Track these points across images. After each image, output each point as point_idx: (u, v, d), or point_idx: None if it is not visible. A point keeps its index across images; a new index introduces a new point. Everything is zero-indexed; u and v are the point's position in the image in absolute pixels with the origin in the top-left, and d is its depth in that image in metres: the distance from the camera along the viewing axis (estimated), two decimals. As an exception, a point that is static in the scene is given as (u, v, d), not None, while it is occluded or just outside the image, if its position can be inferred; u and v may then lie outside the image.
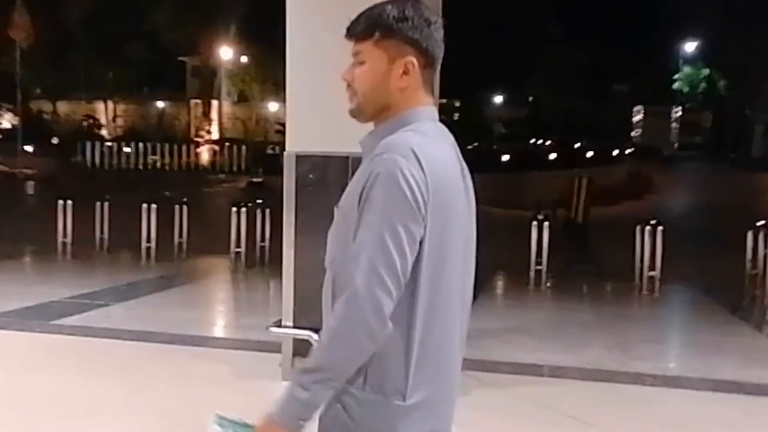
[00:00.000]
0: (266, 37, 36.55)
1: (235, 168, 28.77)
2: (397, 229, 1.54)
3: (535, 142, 40.89)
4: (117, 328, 6.51)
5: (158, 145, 31.00)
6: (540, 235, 9.70)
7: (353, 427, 1.62)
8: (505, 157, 30.51)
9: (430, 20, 1.68)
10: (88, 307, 7.39)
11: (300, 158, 5.14)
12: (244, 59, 38.66)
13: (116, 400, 4.85)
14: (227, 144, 30.44)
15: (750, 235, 9.88)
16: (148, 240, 10.86)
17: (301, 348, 5.14)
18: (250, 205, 10.89)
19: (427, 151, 1.59)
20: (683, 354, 6.21)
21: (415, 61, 1.66)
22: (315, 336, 4.84)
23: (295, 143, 5.18)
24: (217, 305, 8.59)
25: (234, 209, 10.78)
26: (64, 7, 36.03)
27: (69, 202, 11.17)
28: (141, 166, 30.04)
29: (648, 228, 9.46)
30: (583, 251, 11.71)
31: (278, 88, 40.19)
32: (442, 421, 1.71)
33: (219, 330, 7.18)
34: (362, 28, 1.67)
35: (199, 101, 41.20)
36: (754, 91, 43.83)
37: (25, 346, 6.04)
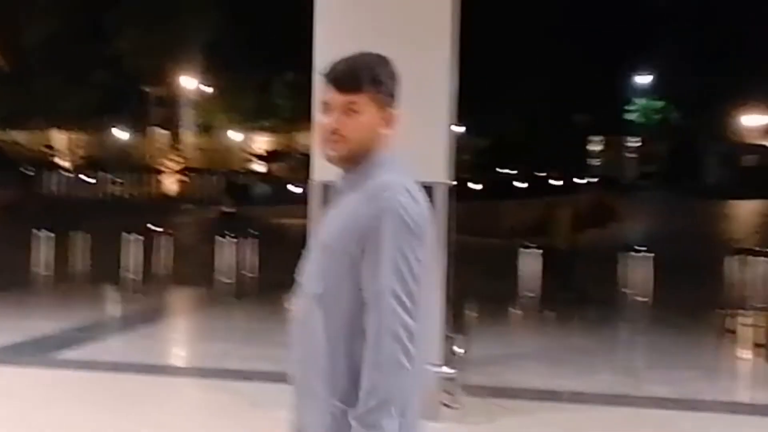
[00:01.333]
0: (231, 66, 36.58)
1: (203, 198, 28.46)
2: (409, 257, 1.74)
3: (500, 172, 41.64)
4: (122, 362, 6.35)
5: (122, 175, 30.51)
6: (531, 263, 9.82)
7: None
8: (474, 186, 30.90)
9: (398, 77, 1.92)
10: (85, 341, 7.20)
11: (327, 187, 5.13)
12: (208, 89, 38.47)
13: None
14: (194, 174, 30.10)
15: (728, 262, 10.12)
16: (131, 270, 10.66)
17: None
18: (233, 235, 10.80)
19: (415, 188, 1.84)
20: (693, 377, 6.30)
21: (395, 113, 1.89)
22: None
23: (321, 171, 5.16)
24: (217, 336, 8.39)
25: (221, 239, 10.67)
26: (22, 32, 35.41)
27: (44, 232, 10.93)
28: (106, 196, 29.49)
29: (634, 254, 9.67)
30: (566, 278, 11.87)
31: (244, 118, 40.16)
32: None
33: (228, 361, 7.04)
34: (357, 82, 1.83)
35: (162, 130, 40.76)
36: (707, 122, 45.29)
37: (33, 382, 5.83)
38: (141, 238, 10.80)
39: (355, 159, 1.84)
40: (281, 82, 40.07)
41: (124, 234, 10.72)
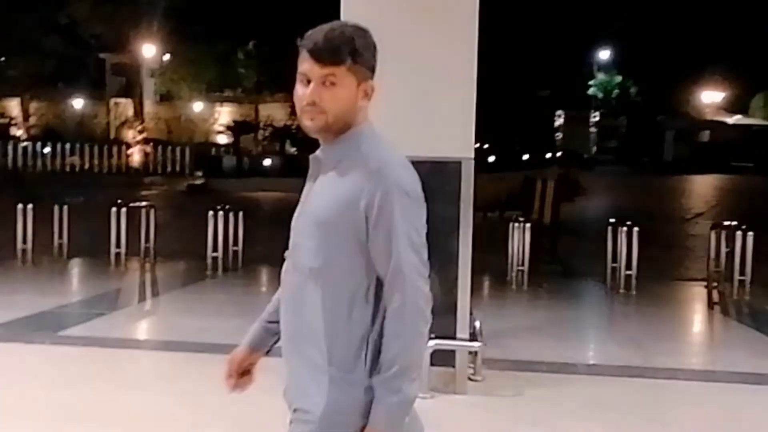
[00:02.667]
0: (197, 35, 35.78)
1: (168, 170, 27.89)
2: (419, 229, 1.84)
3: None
4: (133, 338, 6.28)
5: (81, 146, 29.69)
6: (521, 237, 9.94)
7: (361, 410, 1.81)
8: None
9: (377, 49, 1.93)
10: (87, 317, 7.08)
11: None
12: (171, 57, 37.60)
13: (169, 411, 4.67)
14: (157, 145, 29.44)
15: (713, 235, 10.41)
16: (118, 245, 10.47)
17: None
18: (227, 208, 10.68)
19: (407, 161, 1.91)
20: (696, 349, 6.51)
21: (374, 86, 1.92)
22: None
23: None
24: (220, 311, 8.29)
25: (211, 213, 10.54)
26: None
27: (29, 206, 10.65)
28: (67, 168, 28.70)
29: (624, 229, 9.86)
30: (551, 251, 12.06)
31: (209, 88, 39.39)
32: None
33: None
34: (337, 54, 1.83)
35: (122, 100, 39.79)
36: (665, 98, 46.14)
37: (46, 359, 5.72)
38: (118, 211, 10.57)
39: (333, 131, 1.87)
40: (244, 52, 39.43)
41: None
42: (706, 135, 46.75)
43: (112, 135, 38.16)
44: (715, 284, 9.78)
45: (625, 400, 5.14)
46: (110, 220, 10.45)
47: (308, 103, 1.85)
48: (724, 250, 10.10)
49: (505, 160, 34.03)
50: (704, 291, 9.61)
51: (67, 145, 29.81)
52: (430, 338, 4.89)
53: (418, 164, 5.12)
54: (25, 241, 10.55)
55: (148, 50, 37.11)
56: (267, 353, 2.12)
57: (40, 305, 7.44)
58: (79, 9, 34.57)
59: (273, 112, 39.74)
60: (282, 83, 39.78)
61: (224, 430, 4.41)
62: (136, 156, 30.24)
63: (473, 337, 5.27)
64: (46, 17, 35.66)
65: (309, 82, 1.85)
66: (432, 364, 4.96)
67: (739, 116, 48.29)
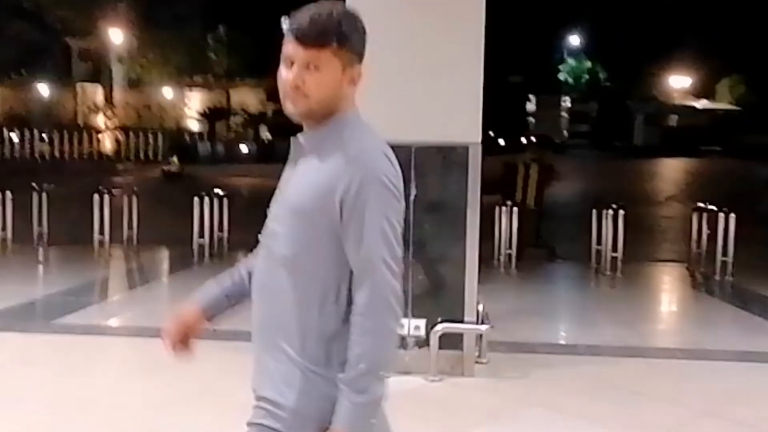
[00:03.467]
0: (165, 19, 35.25)
1: (141, 156, 27.50)
2: (393, 223, 1.76)
3: None
4: (130, 326, 6.20)
5: (50, 133, 29.11)
6: (510, 221, 10.02)
7: (329, 408, 1.75)
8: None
9: (366, 33, 1.85)
10: (80, 305, 6.97)
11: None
12: (139, 42, 36.99)
13: (187, 395, 4.64)
14: (128, 132, 28.98)
15: (694, 217, 10.59)
16: (101, 232, 10.32)
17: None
18: (213, 194, 10.58)
19: (389, 151, 1.82)
20: (689, 329, 6.63)
21: (361, 71, 1.83)
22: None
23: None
24: None
25: (196, 200, 10.43)
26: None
27: (8, 193, 10.44)
28: (37, 155, 28.14)
29: (610, 212, 9.98)
30: (536, 235, 12.18)
31: (179, 73, 38.86)
32: None
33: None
34: (321, 38, 1.75)
35: (90, 85, 39.06)
36: (635, 83, 46.69)
37: (45, 348, 5.63)
38: (101, 198, 10.42)
39: (316, 116, 1.80)
40: (214, 38, 38.97)
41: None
42: (674, 119, 47.43)
43: (80, 121, 37.47)
44: (697, 266, 9.99)
45: (629, 379, 5.22)
46: (92, 207, 10.31)
47: (291, 86, 1.77)
48: (705, 231, 10.32)
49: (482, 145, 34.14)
50: (686, 272, 9.81)
51: (35, 132, 29.20)
52: (439, 322, 5.00)
53: (425, 149, 5.14)
54: (3, 229, 10.36)
55: (115, 35, 36.48)
56: (210, 320, 2.04)
57: (28, 294, 7.32)
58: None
59: (244, 97, 39.40)
60: (253, 68, 39.49)
61: (234, 416, 4.39)
62: (107, 142, 29.72)
63: (479, 320, 5.31)
64: (9, 1, 34.82)
65: (293, 64, 1.77)
66: (440, 348, 5.01)
67: (705, 101, 49.07)
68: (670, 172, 33.86)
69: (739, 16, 42.96)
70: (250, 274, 1.97)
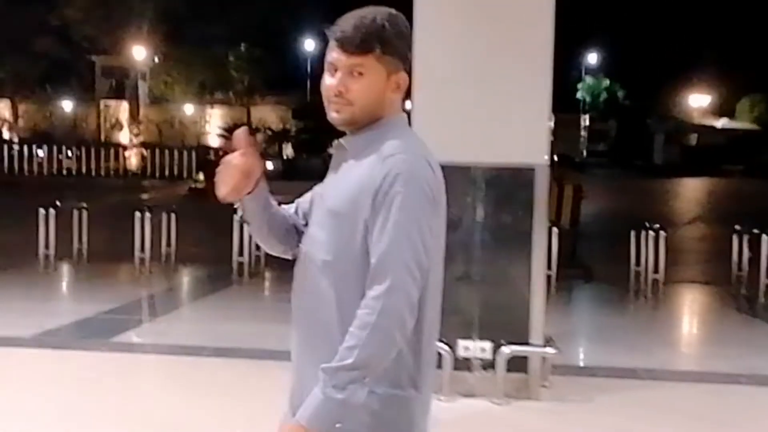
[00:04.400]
0: (190, 37, 35.64)
1: (167, 173, 27.69)
2: (423, 227, 1.67)
3: None
4: (189, 345, 6.22)
5: (77, 149, 29.40)
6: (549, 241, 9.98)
7: (375, 425, 1.67)
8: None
9: (411, 38, 1.81)
10: (133, 323, 7.03)
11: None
12: (162, 59, 37.38)
13: (255, 415, 4.64)
14: (156, 149, 29.23)
15: (735, 239, 10.52)
16: (142, 250, 10.39)
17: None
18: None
19: (432, 157, 1.77)
20: (746, 353, 6.56)
21: (406, 77, 1.79)
22: (444, 346, 4.81)
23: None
24: (261, 317, 8.18)
25: (236, 217, 10.48)
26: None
27: (51, 210, 10.55)
28: (64, 172, 28.39)
29: (651, 233, 9.95)
30: (572, 256, 12.14)
31: (203, 91, 39.19)
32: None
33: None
34: (365, 43, 1.71)
35: (112, 102, 39.47)
36: (654, 101, 46.56)
37: (109, 366, 5.66)
38: (141, 215, 10.50)
39: (360, 123, 1.76)
40: (236, 55, 39.33)
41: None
42: (694, 138, 47.22)
43: (103, 137, 37.82)
44: (739, 288, 9.91)
45: (693, 404, 5.18)
46: (133, 224, 10.40)
47: (335, 93, 1.74)
48: (747, 254, 10.26)
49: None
50: (728, 294, 9.72)
51: (62, 148, 29.47)
52: (504, 344, 4.99)
53: (492, 170, 5.15)
54: (47, 246, 10.45)
55: (139, 52, 36.88)
56: (250, 191, 1.80)
57: (80, 312, 7.36)
58: (71, 11, 34.29)
59: (265, 114, 39.67)
60: (276, 85, 39.77)
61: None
62: (132, 159, 29.97)
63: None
64: (37, 18, 35.32)
65: (336, 71, 1.74)
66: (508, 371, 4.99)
67: (725, 119, 48.87)
68: (692, 191, 33.65)
69: (760, 34, 42.88)
70: (294, 225, 1.88)
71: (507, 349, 5.02)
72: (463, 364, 5.10)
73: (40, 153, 29.73)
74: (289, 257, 1.92)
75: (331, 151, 1.87)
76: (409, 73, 1.81)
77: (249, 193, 1.79)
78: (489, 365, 5.10)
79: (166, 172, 27.60)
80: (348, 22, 1.73)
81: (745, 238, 10.22)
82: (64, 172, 28.10)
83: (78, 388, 5.12)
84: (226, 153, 1.92)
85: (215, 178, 1.79)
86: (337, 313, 1.70)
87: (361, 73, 1.72)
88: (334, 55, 1.74)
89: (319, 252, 1.74)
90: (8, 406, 4.75)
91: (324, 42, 1.81)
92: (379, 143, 1.72)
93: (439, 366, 5.03)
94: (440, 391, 5.03)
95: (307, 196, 1.93)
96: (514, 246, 5.08)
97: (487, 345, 5.08)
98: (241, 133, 1.81)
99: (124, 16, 35.32)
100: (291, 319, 1.81)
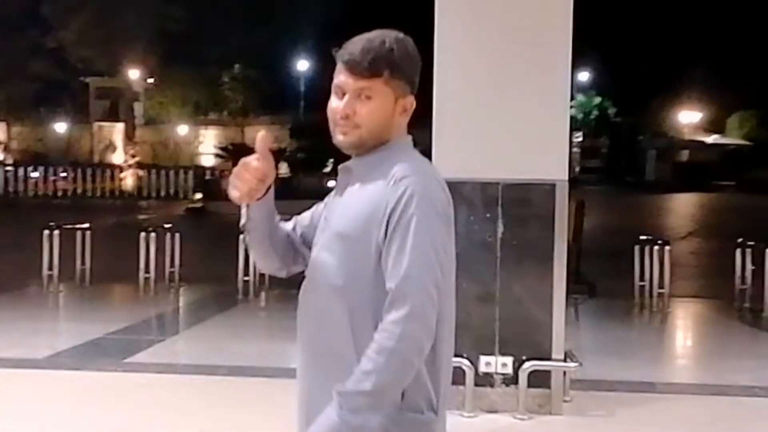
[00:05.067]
0: (184, 58, 35.71)
1: (163, 193, 27.64)
2: (439, 248, 1.67)
3: None
4: (204, 364, 6.20)
5: (72, 170, 29.31)
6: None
7: None
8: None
9: (420, 61, 1.80)
10: (146, 344, 7.00)
11: (449, 185, 5.11)
12: (156, 81, 37.45)
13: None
14: (152, 169, 29.19)
15: (738, 252, 10.57)
16: (147, 270, 10.34)
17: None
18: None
19: (440, 177, 1.78)
20: (757, 365, 6.59)
21: (413, 101, 1.79)
22: (465, 362, 4.81)
23: (442, 169, 5.14)
24: (271, 335, 8.12)
25: (242, 237, 10.47)
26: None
27: (55, 231, 10.50)
28: (60, 193, 28.28)
29: (656, 248, 9.98)
30: (576, 271, 12.17)
31: (197, 111, 39.23)
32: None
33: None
34: (373, 67, 1.70)
35: (106, 124, 39.46)
36: (645, 118, 46.95)
37: (127, 387, 5.63)
38: (147, 235, 10.47)
39: (367, 147, 1.76)
40: (230, 76, 39.46)
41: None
42: (685, 154, 47.57)
43: (98, 159, 37.75)
44: (743, 302, 9.95)
45: (712, 417, 5.19)
46: (138, 244, 10.37)
47: (342, 116, 1.74)
48: (750, 267, 10.31)
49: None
50: (733, 308, 9.76)
51: (56, 170, 29.39)
52: (526, 360, 4.99)
53: (512, 186, 5.18)
54: (51, 268, 10.38)
55: (133, 74, 36.94)
56: (257, 197, 1.79)
57: (89, 333, 7.30)
58: (66, 33, 34.38)
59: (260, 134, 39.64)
60: (267, 106, 39.88)
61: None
62: (129, 180, 29.92)
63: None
64: (31, 41, 35.38)
65: (344, 95, 1.74)
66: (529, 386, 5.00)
67: (716, 136, 49.26)
68: (685, 207, 33.82)
69: (748, 52, 43.39)
70: (289, 238, 1.87)
71: (529, 364, 5.02)
72: (484, 380, 5.10)
73: (34, 174, 29.63)
74: (284, 275, 1.91)
75: (326, 171, 1.87)
76: (417, 97, 1.81)
77: (258, 199, 1.78)
78: (511, 381, 5.10)
79: (162, 193, 27.54)
80: (356, 45, 1.73)
81: (748, 252, 10.28)
82: (60, 193, 27.99)
83: (97, 408, 5.09)
84: (223, 173, 1.89)
85: (229, 178, 1.78)
86: (352, 338, 1.68)
87: (369, 97, 1.72)
88: (342, 78, 1.74)
89: (330, 277, 1.72)
90: (28, 427, 4.71)
91: (322, 63, 1.84)
92: (386, 166, 1.71)
93: (462, 382, 5.04)
94: (462, 407, 5.03)
95: (306, 214, 1.92)
96: (535, 262, 5.10)
97: (509, 360, 5.09)
98: (262, 136, 1.79)
99: (118, 38, 35.41)
100: (298, 345, 1.78)
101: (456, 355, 5.02)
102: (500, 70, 5.10)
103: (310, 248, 1.85)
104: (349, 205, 1.74)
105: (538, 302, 5.11)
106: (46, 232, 10.50)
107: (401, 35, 1.76)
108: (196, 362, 6.31)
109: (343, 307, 1.69)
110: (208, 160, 36.87)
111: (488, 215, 5.09)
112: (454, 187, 5.07)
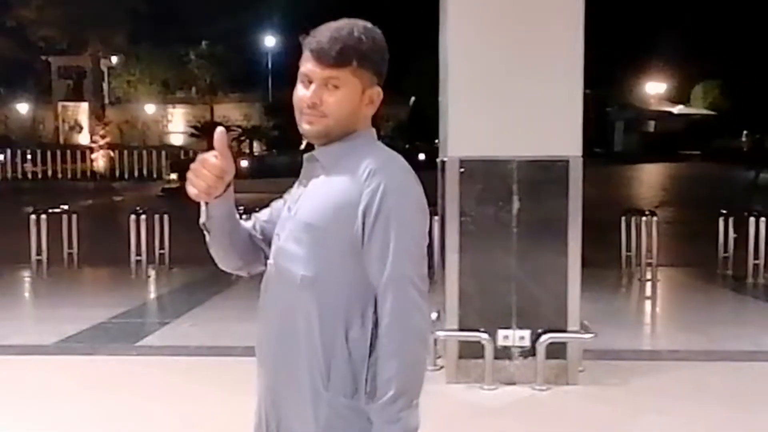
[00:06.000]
0: (152, 36, 35.08)
1: (136, 174, 27.25)
2: (420, 240, 1.69)
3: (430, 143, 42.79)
4: (217, 346, 6.21)
5: (38, 152, 28.72)
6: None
7: None
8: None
9: (387, 53, 1.77)
10: (152, 327, 6.98)
11: (464, 163, 5.18)
12: (123, 59, 36.71)
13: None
14: (124, 150, 28.70)
15: (721, 222, 10.82)
16: (138, 253, 10.26)
17: (468, 349, 5.22)
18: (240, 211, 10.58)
19: (410, 168, 1.74)
20: (754, 332, 6.80)
21: (380, 92, 1.77)
22: (484, 336, 4.93)
23: (457, 147, 5.21)
24: None
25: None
26: None
27: (43, 216, 10.35)
28: (29, 175, 27.73)
29: (643, 218, 10.18)
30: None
31: (165, 90, 38.62)
32: None
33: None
34: (341, 56, 1.68)
35: (71, 104, 38.64)
36: (613, 90, 47.39)
37: (144, 370, 5.62)
38: (137, 217, 10.37)
39: (332, 137, 1.74)
40: (197, 53, 38.87)
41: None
42: (652, 125, 48.25)
43: (63, 140, 37.03)
44: (725, 269, 10.22)
45: (721, 382, 5.36)
46: (129, 227, 10.26)
47: (309, 105, 1.71)
48: (732, 235, 10.58)
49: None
50: (718, 276, 10.03)
51: (24, 152, 28.75)
52: (542, 332, 5.11)
53: (527, 163, 5.25)
54: (39, 252, 10.24)
55: (102, 53, 36.14)
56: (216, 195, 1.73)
57: (92, 317, 7.23)
58: (26, 11, 33.42)
59: (228, 112, 39.28)
60: (236, 83, 39.41)
61: None
62: (100, 161, 29.41)
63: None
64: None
65: (311, 83, 1.71)
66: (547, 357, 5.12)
67: (681, 106, 50.02)
68: (654, 177, 34.43)
69: (712, 21, 43.99)
70: (253, 241, 1.84)
71: (546, 337, 5.14)
72: (502, 353, 5.21)
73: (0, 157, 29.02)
74: (244, 275, 1.89)
75: (302, 148, 1.80)
76: (384, 88, 1.79)
77: (218, 196, 1.73)
78: (528, 353, 5.22)
79: (135, 173, 27.16)
80: (324, 33, 1.70)
81: (731, 220, 10.54)
82: (29, 176, 27.45)
83: (116, 393, 5.08)
84: (196, 153, 1.85)
85: (187, 174, 1.72)
86: (319, 334, 1.67)
87: (336, 86, 1.70)
88: (309, 66, 1.71)
89: (297, 267, 1.70)
90: (49, 413, 4.70)
91: (293, 40, 1.77)
92: (354, 157, 1.70)
93: (481, 355, 5.15)
94: (482, 380, 5.15)
95: (266, 211, 1.89)
96: (550, 236, 5.20)
97: (526, 333, 5.20)
98: (220, 133, 1.75)
99: (81, 15, 34.56)
100: (258, 336, 1.76)
101: (475, 329, 5.17)
102: (513, 48, 5.14)
103: (270, 245, 1.82)
104: (316, 195, 1.72)
105: (553, 276, 5.21)
106: (32, 216, 10.35)
107: (369, 25, 1.74)
108: (208, 344, 6.31)
109: (312, 301, 1.67)
110: (178, 140, 36.43)
111: (504, 192, 5.16)
112: (470, 165, 5.18)
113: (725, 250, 10.73)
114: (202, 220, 1.77)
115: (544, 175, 5.18)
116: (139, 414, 4.70)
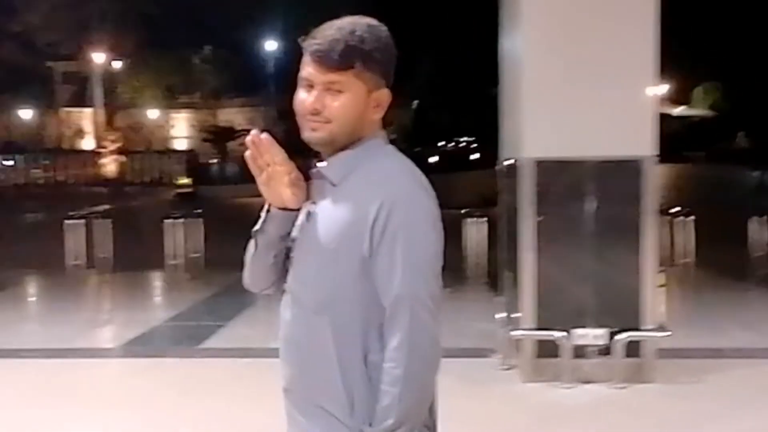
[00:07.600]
0: (158, 40, 35.02)
1: (147, 179, 27.24)
2: (431, 257, 1.58)
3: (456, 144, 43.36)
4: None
5: (50, 158, 28.68)
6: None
7: None
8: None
9: (395, 51, 1.65)
10: (210, 329, 6.97)
11: (540, 163, 5.21)
12: (128, 64, 36.66)
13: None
14: (132, 155, 28.65)
15: (755, 222, 10.88)
16: (174, 257, 10.29)
17: (543, 348, 5.25)
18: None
19: (423, 177, 1.64)
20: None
21: (388, 94, 1.64)
22: (557, 334, 4.93)
23: (532, 148, 5.24)
24: None
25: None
26: None
27: (81, 221, 10.37)
28: (41, 180, 27.69)
29: (681, 218, 10.25)
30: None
31: (170, 95, 38.54)
32: None
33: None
34: (343, 59, 1.56)
35: (75, 110, 38.56)
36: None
37: (211, 372, 5.63)
38: (173, 222, 10.42)
39: (337, 144, 1.61)
40: (201, 58, 38.87)
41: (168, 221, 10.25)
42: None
43: (68, 145, 36.97)
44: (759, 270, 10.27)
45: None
46: (164, 231, 10.31)
47: (311, 111, 1.59)
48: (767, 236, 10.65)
49: (488, 159, 34.49)
50: (752, 275, 10.06)
51: (36, 158, 28.71)
52: (617, 331, 5.13)
53: (602, 163, 5.27)
54: (77, 257, 10.26)
55: (107, 59, 36.13)
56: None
57: (146, 321, 7.25)
58: (32, 17, 33.40)
59: (232, 117, 39.26)
60: (240, 88, 39.37)
61: None
62: (111, 166, 29.37)
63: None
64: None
65: (312, 88, 1.59)
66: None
67: (682, 107, 50.17)
68: (663, 179, 34.36)
69: (712, 23, 44.15)
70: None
71: (624, 335, 5.17)
72: (578, 352, 5.23)
73: (5, 163, 28.94)
74: (269, 293, 1.78)
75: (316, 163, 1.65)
76: (392, 89, 1.64)
77: (290, 210, 1.65)
78: (604, 352, 5.24)
79: (147, 178, 27.15)
80: (324, 34, 1.58)
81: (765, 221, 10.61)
82: (40, 181, 27.40)
83: (192, 395, 5.09)
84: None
85: (262, 183, 1.64)
86: (337, 360, 1.59)
87: (339, 91, 1.58)
88: (309, 70, 1.59)
89: (311, 291, 1.61)
90: (132, 417, 4.71)
91: (294, 47, 1.65)
92: (363, 167, 1.60)
93: (556, 354, 5.18)
94: (558, 379, 5.17)
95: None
96: (624, 236, 5.23)
97: (602, 332, 5.23)
98: (266, 138, 1.63)
99: (86, 21, 34.55)
100: (282, 362, 1.70)
101: (551, 329, 5.19)
102: (586, 50, 5.18)
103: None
104: (327, 214, 1.61)
105: (629, 275, 5.24)
106: (68, 221, 10.38)
107: (374, 22, 1.62)
108: (269, 346, 6.31)
109: (327, 327, 1.59)
110: (182, 144, 36.40)
111: (578, 192, 5.20)
112: (545, 166, 5.20)
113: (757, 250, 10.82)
114: (256, 227, 1.69)
115: (618, 174, 5.22)
116: (221, 417, 4.70)
